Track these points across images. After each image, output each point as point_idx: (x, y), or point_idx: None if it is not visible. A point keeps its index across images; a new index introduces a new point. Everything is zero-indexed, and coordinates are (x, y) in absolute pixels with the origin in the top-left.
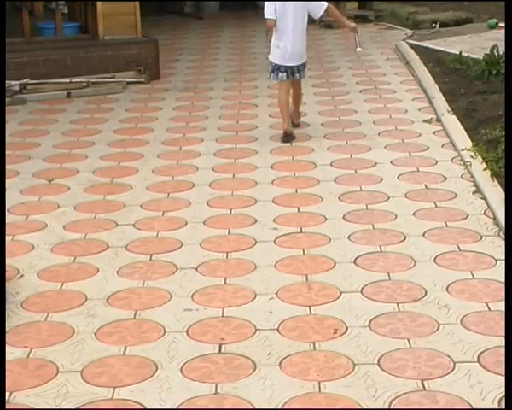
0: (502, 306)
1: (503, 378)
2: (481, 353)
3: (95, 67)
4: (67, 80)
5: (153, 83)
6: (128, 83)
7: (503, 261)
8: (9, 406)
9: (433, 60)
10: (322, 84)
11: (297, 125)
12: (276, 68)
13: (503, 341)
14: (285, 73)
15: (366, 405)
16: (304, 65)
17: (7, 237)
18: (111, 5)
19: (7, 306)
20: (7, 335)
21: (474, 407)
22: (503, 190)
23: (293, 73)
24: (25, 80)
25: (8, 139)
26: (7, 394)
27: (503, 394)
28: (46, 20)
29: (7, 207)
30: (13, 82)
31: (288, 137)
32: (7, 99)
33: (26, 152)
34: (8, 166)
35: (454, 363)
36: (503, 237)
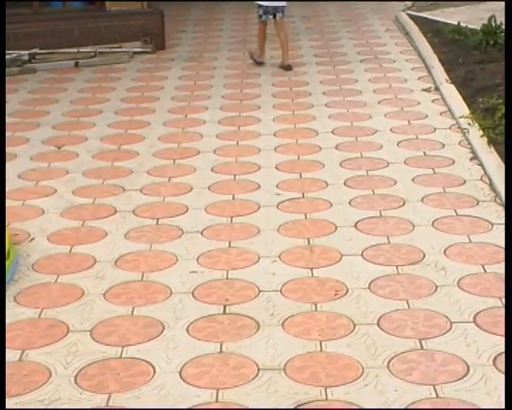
0: (497, 268)
1: (497, 338)
2: (477, 313)
3: (102, 38)
4: (75, 50)
5: (158, 53)
6: (134, 53)
7: (499, 225)
8: (22, 364)
9: (432, 30)
10: (323, 54)
11: (288, 67)
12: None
13: (498, 302)
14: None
15: (366, 363)
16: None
17: (18, 201)
18: None
19: (19, 268)
20: (19, 296)
21: (469, 363)
22: (500, 156)
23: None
24: (34, 50)
25: (18, 107)
26: (19, 352)
27: (498, 352)
28: None
29: (18, 172)
30: (22, 52)
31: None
32: (17, 68)
33: (35, 120)
34: (18, 134)
35: (451, 323)
36: (499, 201)
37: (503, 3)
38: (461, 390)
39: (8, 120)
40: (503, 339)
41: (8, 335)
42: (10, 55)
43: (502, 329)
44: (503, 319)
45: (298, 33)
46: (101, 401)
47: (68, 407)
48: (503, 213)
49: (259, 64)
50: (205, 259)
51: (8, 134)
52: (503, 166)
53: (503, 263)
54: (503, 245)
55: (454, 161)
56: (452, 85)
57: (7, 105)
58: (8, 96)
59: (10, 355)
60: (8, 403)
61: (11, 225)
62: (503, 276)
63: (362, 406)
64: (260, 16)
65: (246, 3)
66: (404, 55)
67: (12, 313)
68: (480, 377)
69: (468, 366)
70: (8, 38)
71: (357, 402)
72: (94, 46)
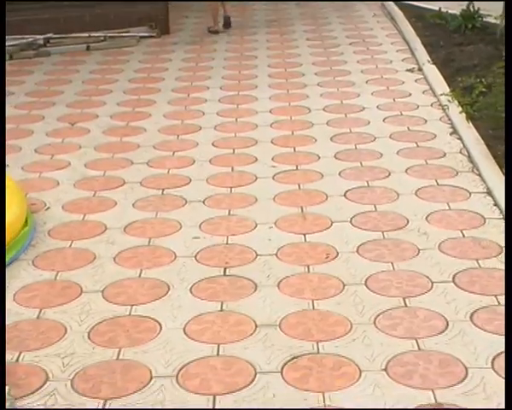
0: (474, 233)
1: (475, 296)
2: (456, 274)
3: (111, 23)
4: (87, 35)
5: (163, 37)
6: (141, 37)
7: (477, 194)
8: (40, 321)
9: (415, 15)
10: (315, 37)
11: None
12: None
13: (475, 263)
14: None
15: (354, 320)
16: None
17: (35, 174)
18: None
19: (36, 235)
20: (36, 260)
21: (448, 319)
22: (477, 131)
23: None
24: (48, 35)
25: (34, 88)
26: (37, 310)
27: (474, 309)
28: None
29: (35, 147)
30: (38, 36)
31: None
32: (33, 52)
33: (50, 99)
34: (34, 112)
35: (432, 283)
36: (477, 172)
37: None
38: (440, 343)
39: (25, 99)
40: (480, 297)
41: (27, 295)
42: (26, 39)
43: (478, 288)
44: (479, 279)
45: (291, 18)
46: (112, 354)
47: (82, 359)
48: (481, 183)
49: (216, 33)
50: (206, 226)
51: (24, 112)
52: (481, 139)
53: (480, 228)
54: (481, 212)
55: (435, 136)
56: (434, 66)
57: (24, 86)
58: (24, 78)
59: (29, 313)
60: (27, 357)
61: (29, 196)
62: (480, 240)
63: (350, 358)
64: None
65: None
66: (389, 38)
67: (30, 275)
68: (458, 332)
69: (447, 322)
70: (25, 24)
71: (346, 355)
72: (104, 31)
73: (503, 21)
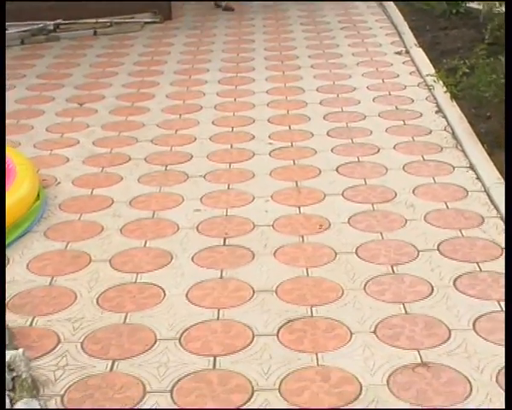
0: (458, 205)
1: (458, 263)
2: (440, 243)
3: (117, 10)
4: (94, 21)
5: (166, 23)
6: (145, 23)
7: (460, 168)
8: (52, 288)
9: (403, 1)
10: (309, 22)
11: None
12: None
13: (458, 233)
14: None
15: (345, 286)
16: None
17: (46, 151)
18: None
19: (47, 208)
20: (48, 231)
21: (433, 285)
22: (461, 109)
23: None
24: (58, 21)
25: (44, 70)
26: (49, 278)
27: (458, 275)
28: None
29: (46, 126)
30: (48, 22)
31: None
32: (43, 37)
33: (60, 81)
34: (45, 93)
35: (418, 251)
36: (460, 148)
37: None
38: (425, 307)
39: (36, 81)
40: (462, 264)
41: (39, 264)
42: (38, 25)
43: (461, 255)
44: (462, 247)
45: (287, 4)
46: (120, 318)
47: (91, 323)
48: (464, 158)
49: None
50: (207, 199)
51: (36, 93)
52: (464, 117)
53: (463, 200)
54: (464, 185)
55: (421, 114)
56: (420, 49)
57: (35, 69)
58: (35, 61)
59: (42, 281)
60: (40, 321)
61: (40, 172)
62: (463, 211)
63: (342, 320)
64: None
65: None
66: (378, 23)
67: (42, 245)
68: (442, 296)
69: (432, 287)
70: (36, 11)
71: (338, 318)
72: (110, 17)
73: (485, 7)
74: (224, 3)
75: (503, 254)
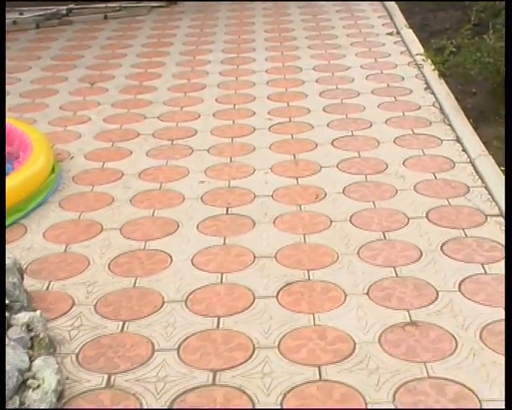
0: (446, 175)
1: (445, 229)
2: (429, 211)
3: None
4: (104, 5)
5: (171, 7)
6: (152, 7)
7: (447, 141)
8: (67, 254)
9: None
10: (305, 5)
11: None
12: None
13: (445, 201)
14: None
15: (340, 251)
16: None
17: (60, 127)
18: None
19: (62, 181)
20: (62, 202)
21: (422, 250)
22: (448, 86)
23: None
24: (70, 5)
25: (58, 53)
26: (64, 245)
27: (446, 240)
28: None
29: (59, 104)
30: (61, 7)
31: None
32: (56, 21)
33: (72, 62)
34: (58, 74)
35: (408, 219)
36: (447, 122)
37: None
38: (415, 270)
39: (50, 62)
40: (449, 230)
41: (55, 232)
42: (51, 10)
43: (448, 221)
44: (448, 215)
45: None
46: (130, 282)
47: (103, 287)
48: (451, 132)
49: None
50: (211, 171)
51: (50, 74)
52: (451, 94)
53: (450, 171)
54: (451, 157)
55: (411, 91)
56: (410, 30)
57: (49, 51)
58: (49, 44)
59: (57, 248)
60: (56, 285)
61: (55, 147)
62: (450, 181)
63: (337, 283)
64: None
65: None
66: (371, 6)
67: (58, 215)
68: (430, 260)
69: (421, 252)
70: None
71: (333, 281)
72: (119, 2)
73: None
74: None
75: (488, 221)
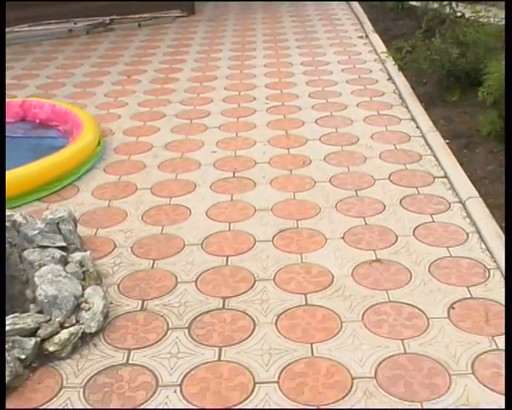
0: (404, 146)
1: (403, 188)
2: (391, 174)
3: (155, 7)
4: (138, 16)
5: (190, 17)
6: (175, 17)
7: (405, 120)
8: (109, 209)
9: (363, 0)
10: (295, 15)
11: None
12: None
13: (403, 167)
14: None
15: (322, 205)
16: None
17: (105, 110)
18: None
19: (105, 151)
20: (106, 168)
21: (386, 204)
22: (405, 78)
23: None
24: (112, 16)
25: (103, 53)
26: (107, 201)
27: (403, 196)
28: None
29: (104, 92)
30: (105, 18)
31: None
32: (102, 29)
33: (114, 60)
34: (103, 69)
35: (375, 180)
36: (405, 105)
37: None
38: (380, 220)
39: (97, 60)
40: (407, 189)
41: (100, 191)
42: (98, 20)
43: (405, 182)
44: (405, 177)
45: (279, 4)
46: (158, 230)
47: (137, 233)
48: (407, 112)
49: None
50: (221, 143)
51: (97, 69)
52: (407, 83)
53: (407, 143)
54: (407, 132)
55: (377, 81)
56: (376, 34)
57: (96, 52)
58: (96, 46)
59: (102, 203)
60: (101, 232)
61: (101, 125)
62: (407, 151)
63: (319, 230)
64: None
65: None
66: (345, 15)
67: (102, 178)
68: (392, 212)
69: (384, 206)
70: (98, 9)
71: (316, 229)
72: (150, 13)
73: (421, 4)
74: None
75: (435, 182)
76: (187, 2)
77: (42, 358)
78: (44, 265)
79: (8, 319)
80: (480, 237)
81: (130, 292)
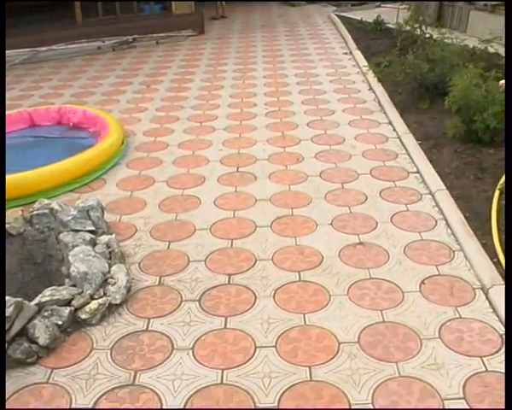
0: (383, 146)
1: (382, 182)
2: (371, 169)
3: (170, 27)
4: (156, 35)
5: (200, 36)
6: (187, 36)
7: (383, 124)
8: (130, 199)
9: (348, 22)
10: (289, 34)
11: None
12: None
13: (382, 163)
14: None
15: (313, 196)
16: None
17: (127, 115)
18: None
19: (128, 150)
20: (129, 164)
21: (367, 195)
22: (384, 88)
23: None
24: (134, 36)
25: (126, 66)
26: (129, 192)
27: (384, 188)
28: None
29: (127, 100)
30: (128, 37)
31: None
32: (125, 46)
33: (135, 72)
34: (126, 80)
35: (358, 174)
36: (383, 111)
37: (385, 8)
38: (362, 209)
39: (121, 72)
40: (385, 182)
41: (123, 183)
42: (122, 39)
43: (384, 177)
44: (384, 172)
45: (276, 26)
46: (172, 217)
47: (155, 219)
48: (385, 117)
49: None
50: (226, 143)
51: (121, 80)
52: (385, 92)
53: (385, 143)
54: (385, 134)
55: (360, 91)
56: (359, 51)
57: (120, 65)
58: (121, 61)
59: (125, 194)
60: (124, 218)
61: (124, 127)
62: (385, 150)
63: (311, 217)
64: None
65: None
66: (333, 35)
67: (125, 172)
68: (373, 202)
69: (366, 197)
70: (122, 29)
71: (308, 216)
72: (166, 32)
73: (397, 26)
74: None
75: (409, 176)
76: (197, 22)
77: (75, 324)
78: (77, 246)
79: (48, 291)
80: (447, 223)
81: (149, 269)
